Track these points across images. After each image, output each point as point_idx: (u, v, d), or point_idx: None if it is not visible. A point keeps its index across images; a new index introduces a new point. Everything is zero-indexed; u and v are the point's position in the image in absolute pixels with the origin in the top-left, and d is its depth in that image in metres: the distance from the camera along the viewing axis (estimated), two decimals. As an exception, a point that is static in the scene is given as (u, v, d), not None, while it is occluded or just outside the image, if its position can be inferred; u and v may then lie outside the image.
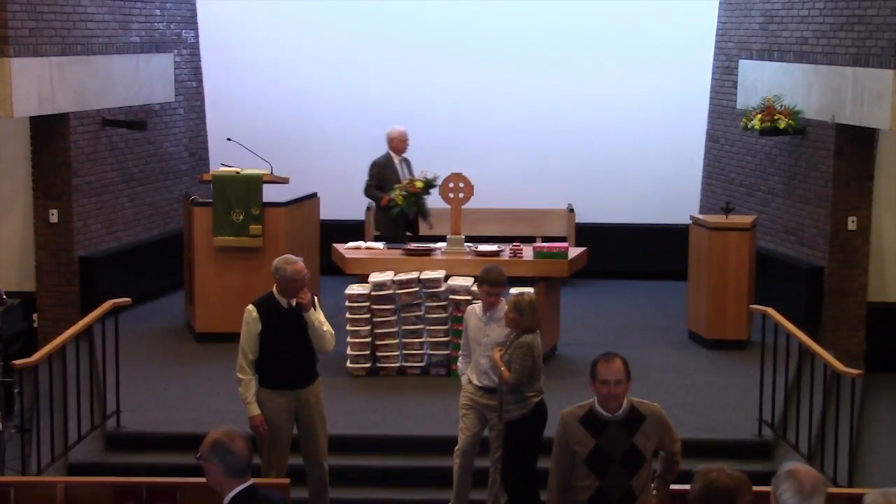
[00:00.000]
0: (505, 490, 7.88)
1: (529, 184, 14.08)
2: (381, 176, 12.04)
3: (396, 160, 12.15)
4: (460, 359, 8.39)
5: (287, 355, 7.80)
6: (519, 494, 7.78)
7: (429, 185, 11.59)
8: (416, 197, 11.60)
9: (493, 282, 8.18)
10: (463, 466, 8.09)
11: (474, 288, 10.14)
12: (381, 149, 14.20)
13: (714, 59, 13.95)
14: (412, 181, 11.65)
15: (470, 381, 8.15)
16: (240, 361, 7.77)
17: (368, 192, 12.16)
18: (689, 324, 11.79)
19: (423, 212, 11.90)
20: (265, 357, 7.77)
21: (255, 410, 7.74)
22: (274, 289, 7.87)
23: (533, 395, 7.73)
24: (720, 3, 13.82)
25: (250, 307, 7.82)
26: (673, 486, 6.57)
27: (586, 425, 5.93)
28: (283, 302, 7.83)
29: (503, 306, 8.10)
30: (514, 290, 10.41)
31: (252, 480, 5.18)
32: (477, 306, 8.31)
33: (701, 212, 13.35)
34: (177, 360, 10.91)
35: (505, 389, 7.74)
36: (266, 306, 7.82)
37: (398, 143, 12.19)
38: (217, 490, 5.17)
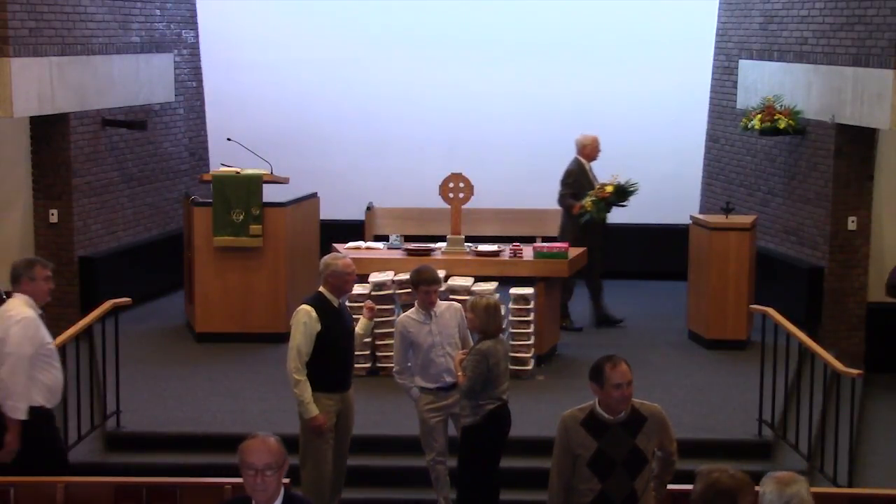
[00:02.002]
0: (457, 493, 7.88)
1: (529, 184, 14.06)
2: (577, 184, 11.78)
3: (588, 167, 11.94)
4: (400, 375, 8.24)
5: (341, 356, 7.79)
6: (468, 499, 7.75)
7: (620, 190, 11.44)
8: (604, 202, 11.46)
9: (429, 280, 8.13)
10: (441, 472, 8.15)
11: (475, 287, 10.14)
12: (381, 149, 14.26)
13: (714, 59, 13.95)
14: (602, 186, 11.49)
15: (423, 391, 8.10)
16: (294, 364, 7.64)
17: (563, 201, 11.84)
18: (689, 324, 11.79)
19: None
20: (318, 359, 7.68)
21: (316, 410, 7.62)
22: (322, 289, 7.82)
23: (487, 403, 7.63)
24: (720, 3, 13.82)
25: (307, 307, 7.69)
26: (674, 487, 6.58)
27: (588, 428, 5.90)
28: (335, 301, 7.82)
29: (441, 302, 8.18)
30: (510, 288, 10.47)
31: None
32: (410, 313, 8.22)
33: (701, 212, 13.36)
34: (177, 360, 10.91)
35: (460, 394, 7.74)
36: (320, 306, 7.74)
37: (591, 150, 11.95)
38: (266, 497, 5.07)
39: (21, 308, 7.38)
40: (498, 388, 7.68)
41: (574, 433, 5.92)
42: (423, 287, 8.13)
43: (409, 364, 8.18)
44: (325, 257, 7.96)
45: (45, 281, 7.49)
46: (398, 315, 10.34)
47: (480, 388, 7.60)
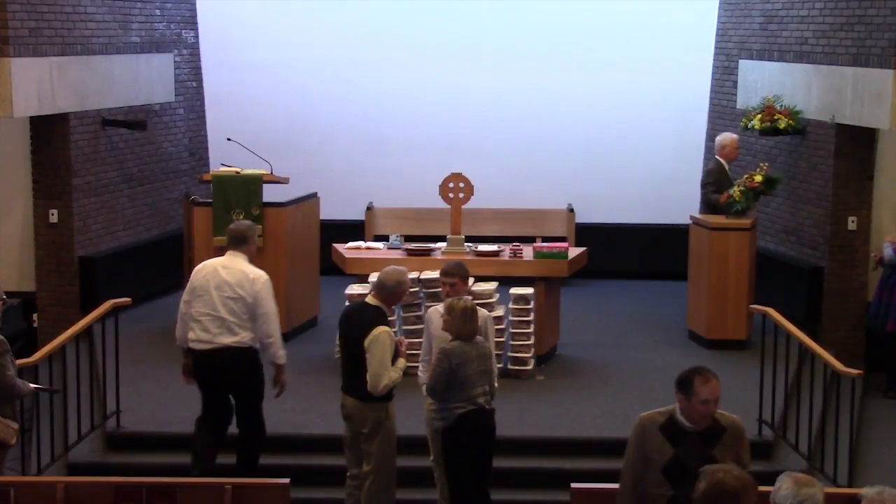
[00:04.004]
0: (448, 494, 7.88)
1: (529, 184, 14.08)
2: (718, 183, 11.73)
3: (727, 167, 11.90)
4: (420, 366, 8.25)
5: None
6: (456, 501, 7.72)
7: (769, 181, 11.44)
8: (753, 192, 11.42)
9: (444, 272, 8.22)
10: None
11: (475, 288, 10.13)
12: (381, 149, 14.26)
13: (714, 59, 13.95)
14: (751, 175, 11.47)
15: None
16: (385, 382, 7.72)
17: (707, 199, 11.81)
18: (689, 324, 11.79)
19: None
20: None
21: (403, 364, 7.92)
22: (378, 301, 7.91)
23: (457, 407, 7.55)
24: (720, 3, 13.82)
25: (388, 329, 7.79)
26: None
27: (666, 433, 5.80)
28: (389, 312, 7.99)
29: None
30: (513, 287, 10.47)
31: None
32: (440, 306, 8.19)
33: (701, 212, 13.34)
34: (177, 360, 10.80)
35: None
36: (388, 322, 7.90)
37: (731, 151, 11.92)
38: None
39: (255, 268, 8.39)
40: (467, 391, 7.55)
41: (651, 436, 5.81)
42: (441, 278, 8.27)
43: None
44: (388, 271, 7.98)
45: (255, 244, 8.63)
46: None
47: (444, 388, 7.51)
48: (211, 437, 8.37)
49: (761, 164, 11.63)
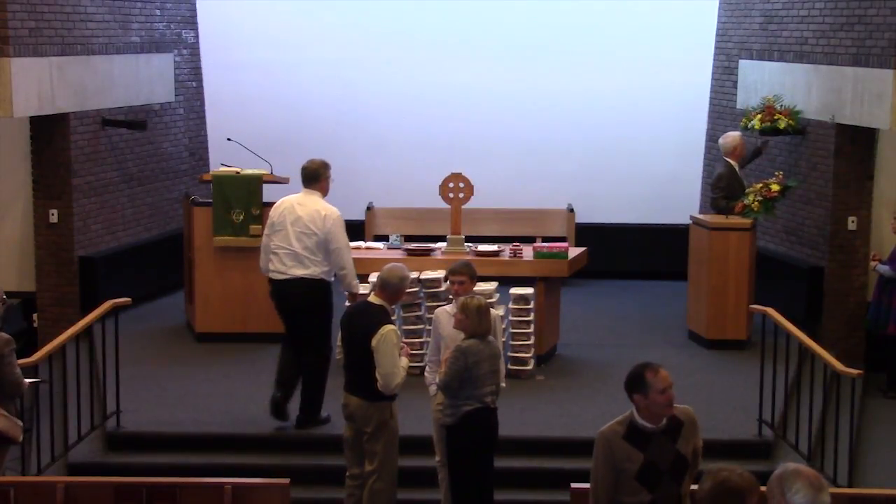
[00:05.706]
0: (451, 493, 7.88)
1: (529, 184, 14.08)
2: (730, 187, 11.64)
3: (737, 168, 11.79)
4: (427, 367, 8.26)
5: None
6: (457, 499, 7.73)
7: (785, 189, 11.34)
8: (772, 202, 11.33)
9: (453, 271, 8.22)
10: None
11: (474, 288, 10.12)
12: (381, 149, 14.25)
13: (714, 59, 13.95)
14: (767, 184, 11.35)
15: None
16: (398, 381, 7.74)
17: (716, 204, 11.69)
18: (689, 324, 11.79)
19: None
20: None
21: (406, 364, 7.98)
22: (381, 301, 7.90)
23: (465, 404, 7.56)
24: (720, 3, 13.82)
25: (394, 328, 7.82)
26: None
27: (631, 441, 5.78)
28: (391, 311, 8.02)
29: None
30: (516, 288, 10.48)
31: None
32: (448, 307, 8.24)
33: (701, 212, 13.35)
34: (177, 360, 10.91)
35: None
36: (391, 321, 7.92)
37: (741, 151, 11.80)
38: None
39: (327, 206, 9.18)
40: (478, 389, 7.57)
41: (618, 449, 5.78)
42: (450, 276, 8.27)
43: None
44: (390, 269, 7.98)
45: (328, 181, 9.35)
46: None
47: (458, 386, 7.53)
48: (291, 354, 9.12)
49: (777, 173, 11.56)
